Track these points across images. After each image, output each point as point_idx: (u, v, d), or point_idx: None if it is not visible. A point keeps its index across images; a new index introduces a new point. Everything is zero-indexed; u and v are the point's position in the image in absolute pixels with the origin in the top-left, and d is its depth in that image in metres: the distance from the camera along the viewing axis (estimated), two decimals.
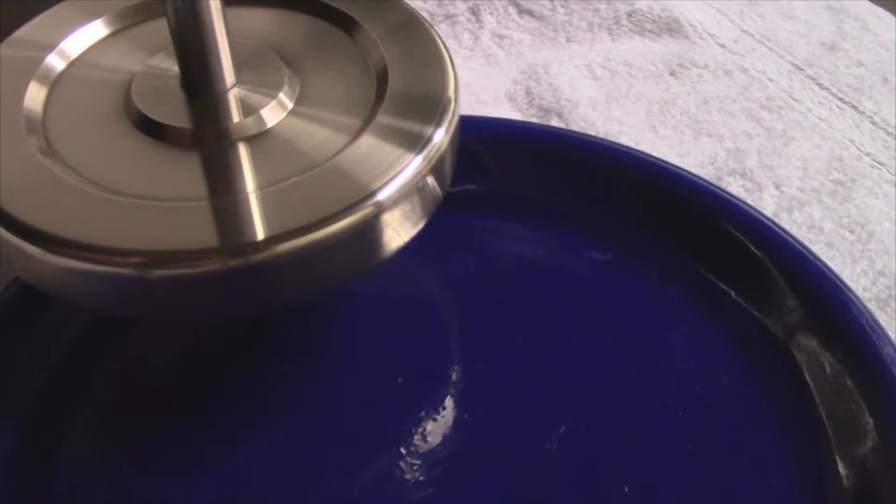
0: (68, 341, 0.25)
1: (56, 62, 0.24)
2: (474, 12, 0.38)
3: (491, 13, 0.38)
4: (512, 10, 0.38)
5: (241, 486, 0.23)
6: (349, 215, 0.21)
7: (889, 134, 0.33)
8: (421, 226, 0.23)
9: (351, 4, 0.26)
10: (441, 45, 0.25)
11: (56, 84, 0.23)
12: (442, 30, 0.37)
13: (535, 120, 0.34)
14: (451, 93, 0.24)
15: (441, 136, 0.22)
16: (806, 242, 0.28)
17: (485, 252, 0.28)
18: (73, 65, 0.24)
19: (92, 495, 0.22)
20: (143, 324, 0.26)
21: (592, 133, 0.33)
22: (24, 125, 0.22)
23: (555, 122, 0.33)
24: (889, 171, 0.31)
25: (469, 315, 0.27)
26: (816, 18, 0.38)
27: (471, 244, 0.29)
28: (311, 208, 0.21)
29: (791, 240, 0.26)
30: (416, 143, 0.22)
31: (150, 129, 0.23)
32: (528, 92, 0.34)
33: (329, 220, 0.20)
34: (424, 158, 0.22)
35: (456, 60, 0.36)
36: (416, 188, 0.22)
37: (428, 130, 0.22)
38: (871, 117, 0.33)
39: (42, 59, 0.23)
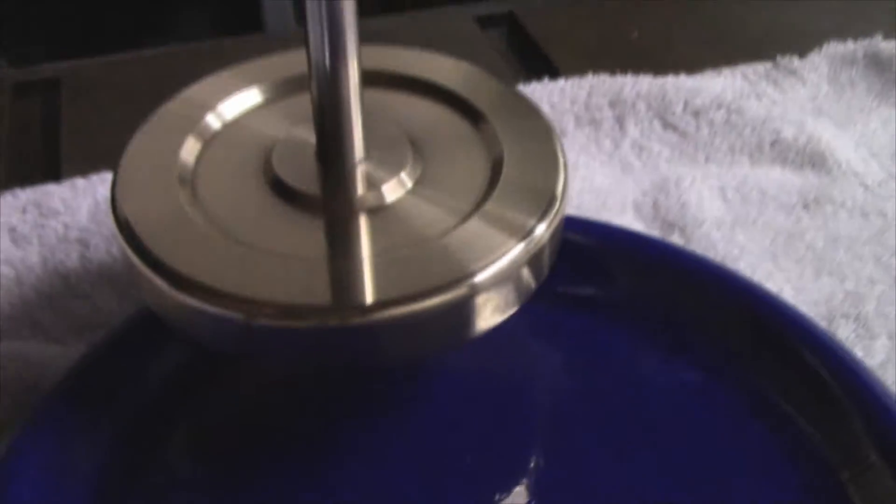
0: (175, 371, 0.28)
1: (213, 121, 0.27)
2: (619, 120, 0.39)
3: (636, 124, 0.39)
4: (657, 123, 0.39)
5: None
6: (446, 293, 0.22)
7: None
8: (513, 310, 0.24)
9: (481, 98, 0.28)
10: (558, 146, 0.27)
11: (210, 141, 0.27)
12: (585, 133, 0.39)
13: (657, 233, 0.34)
14: (558, 191, 0.25)
15: (542, 231, 0.24)
16: None
17: (583, 353, 0.29)
18: (227, 125, 0.27)
19: None
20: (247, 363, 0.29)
21: (711, 254, 0.33)
22: (178, 175, 0.25)
23: (676, 238, 0.34)
24: None
25: (552, 414, 0.28)
26: None
27: (573, 343, 0.30)
28: (412, 282, 0.22)
29: (883, 394, 0.25)
30: (518, 233, 0.24)
31: (283, 191, 0.25)
32: (655, 204, 0.35)
33: (426, 294, 0.22)
34: (524, 249, 0.23)
35: (592, 165, 0.38)
36: (512, 275, 0.23)
37: (531, 223, 0.24)
38: None
39: (202, 117, 0.27)
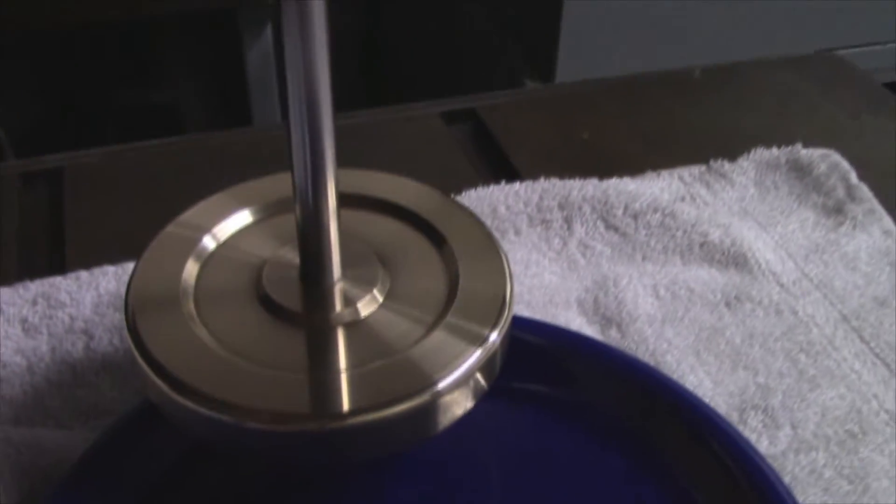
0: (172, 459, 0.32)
1: (209, 243, 0.31)
2: (567, 221, 0.44)
3: (581, 224, 0.44)
4: (600, 224, 0.44)
5: None
6: (411, 400, 0.27)
7: None
8: (470, 407, 0.29)
9: (439, 217, 0.33)
10: (504, 262, 0.31)
11: (207, 261, 0.31)
12: (537, 232, 0.44)
13: (596, 327, 0.39)
14: (507, 301, 0.30)
15: (495, 337, 0.29)
16: (802, 485, 0.32)
17: (526, 442, 0.34)
18: (221, 246, 0.32)
19: None
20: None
21: (643, 349, 0.38)
22: (180, 294, 0.29)
23: (613, 332, 0.39)
24: None
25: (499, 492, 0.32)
26: (877, 273, 0.42)
27: (516, 434, 0.34)
28: (383, 391, 0.27)
29: (779, 483, 0.30)
30: (475, 341, 0.28)
31: (271, 307, 0.30)
32: (596, 301, 0.40)
33: (394, 402, 0.27)
34: (481, 355, 0.28)
35: (542, 262, 0.42)
36: (470, 379, 0.28)
37: (486, 331, 0.28)
38: None
39: (199, 239, 0.31)
